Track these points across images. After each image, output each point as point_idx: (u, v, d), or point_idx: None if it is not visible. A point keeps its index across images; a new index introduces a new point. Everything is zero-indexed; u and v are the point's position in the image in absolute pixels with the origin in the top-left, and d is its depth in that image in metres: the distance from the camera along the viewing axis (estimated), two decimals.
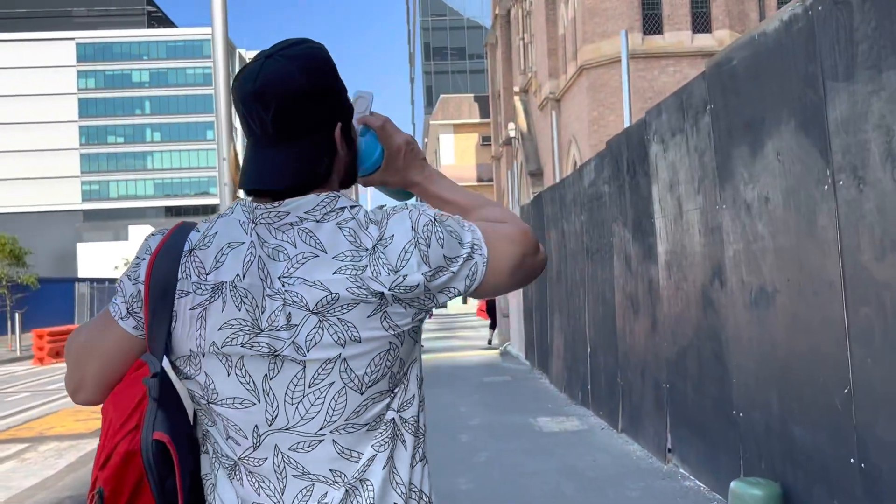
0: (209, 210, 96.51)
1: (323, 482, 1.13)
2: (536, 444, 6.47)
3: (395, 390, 1.16)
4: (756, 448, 4.05)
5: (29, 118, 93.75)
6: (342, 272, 1.09)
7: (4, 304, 22.76)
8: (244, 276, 1.12)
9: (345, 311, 1.09)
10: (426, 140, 47.54)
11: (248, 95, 1.14)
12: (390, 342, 1.12)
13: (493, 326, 17.42)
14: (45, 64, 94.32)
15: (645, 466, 5.57)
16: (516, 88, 28.34)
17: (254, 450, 1.14)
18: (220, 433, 1.16)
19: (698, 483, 4.93)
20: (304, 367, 1.10)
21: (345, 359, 1.10)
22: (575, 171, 8.10)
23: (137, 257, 1.20)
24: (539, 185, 24.14)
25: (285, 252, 1.12)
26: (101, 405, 1.22)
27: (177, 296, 1.14)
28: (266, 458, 1.13)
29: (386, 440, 1.16)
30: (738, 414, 4.25)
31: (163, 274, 1.15)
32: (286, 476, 1.13)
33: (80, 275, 60.62)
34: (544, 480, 5.37)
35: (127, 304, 1.18)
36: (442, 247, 1.13)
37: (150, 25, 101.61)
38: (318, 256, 1.10)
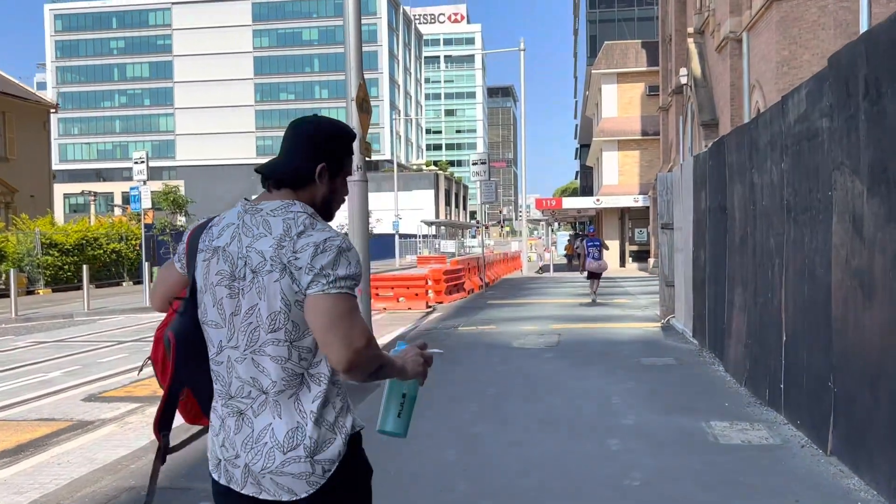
0: (373, 166, 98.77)
1: (248, 384, 1.88)
2: (712, 465, 4.87)
3: (295, 344, 1.85)
4: None
5: (209, 76, 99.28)
6: (273, 246, 1.83)
7: (169, 251, 23.50)
8: (230, 244, 1.90)
9: (265, 273, 1.83)
10: (587, 93, 44.94)
11: (289, 126, 2.02)
12: (279, 306, 1.83)
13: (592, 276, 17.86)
14: (225, 24, 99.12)
15: None
16: (690, 30, 25.44)
17: (217, 355, 1.94)
18: (207, 342, 1.97)
19: None
20: (241, 308, 1.87)
21: (259, 308, 1.84)
22: (776, 105, 6.22)
23: (185, 231, 2.91)
24: (713, 137, 21.51)
25: (251, 231, 1.89)
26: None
27: (198, 251, 1.97)
28: (222, 363, 1.92)
29: (293, 383, 1.87)
30: None
31: (193, 241, 2.01)
32: (232, 376, 1.91)
33: None
34: None
35: (178, 254, 2.08)
36: (326, 259, 1.82)
37: None
38: (265, 236, 1.86)
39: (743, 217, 7.42)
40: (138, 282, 26.33)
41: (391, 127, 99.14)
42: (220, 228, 1.94)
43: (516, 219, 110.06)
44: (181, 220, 23.96)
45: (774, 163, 6.24)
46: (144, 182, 17.37)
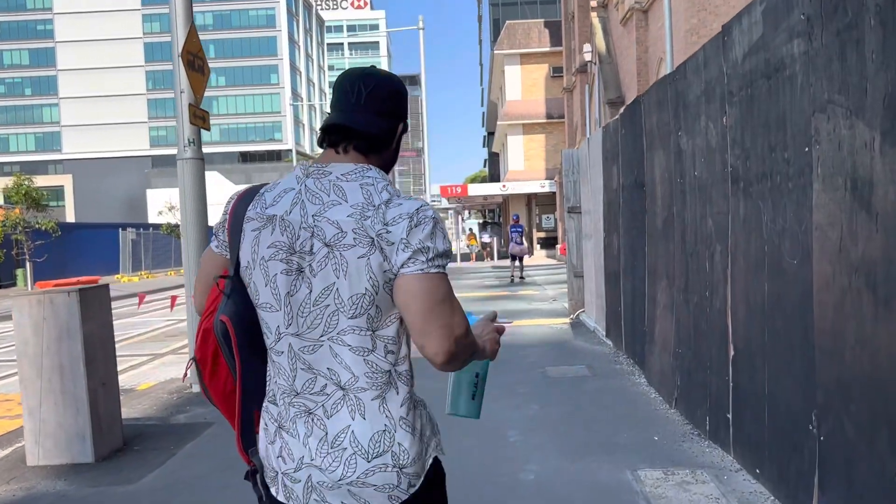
0: (275, 156, 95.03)
1: (324, 377, 1.57)
2: None
3: (378, 334, 1.55)
4: None
5: (97, 64, 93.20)
6: (352, 216, 1.52)
7: (23, 251, 20.63)
8: (290, 212, 1.57)
9: (346, 248, 1.51)
10: (491, 77, 43.64)
11: (358, 75, 1.64)
12: (365, 287, 1.51)
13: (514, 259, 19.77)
14: (112, 8, 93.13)
15: None
16: (594, 3, 24.29)
17: (275, 343, 1.61)
18: (262, 326, 1.63)
19: None
20: (312, 288, 1.54)
21: (337, 288, 1.52)
22: (712, 41, 4.68)
23: (228, 200, 1.71)
24: None
25: (320, 198, 1.56)
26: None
27: (245, 220, 1.62)
28: (283, 353, 1.60)
29: (379, 382, 1.56)
30: None
31: (239, 210, 1.65)
32: (297, 368, 1.58)
33: (151, 221, 59.53)
34: None
35: (215, 230, 1.73)
36: (424, 233, 1.52)
37: None
38: (340, 204, 1.54)
39: (667, 194, 5.92)
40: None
41: (293, 115, 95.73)
42: (274, 195, 1.62)
43: None
44: (37, 218, 21.07)
45: (712, 119, 4.71)
46: None
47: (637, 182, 6.99)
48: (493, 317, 1.85)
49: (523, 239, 20.00)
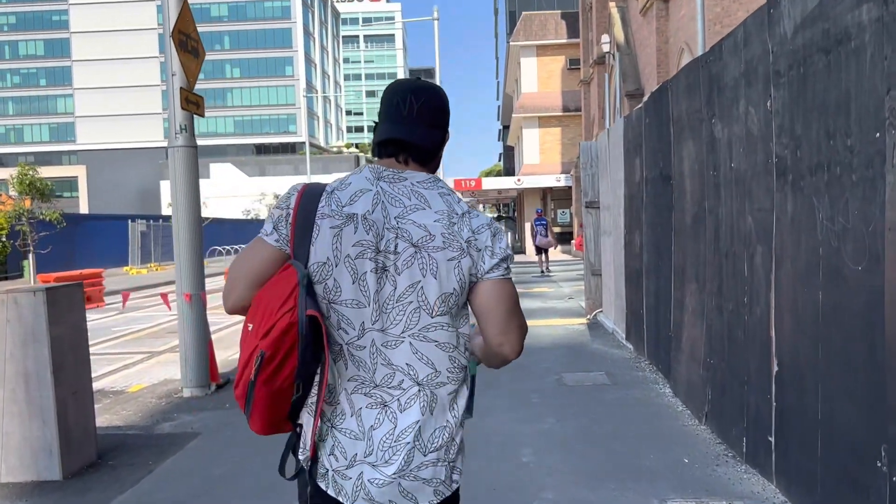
0: (289, 148, 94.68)
1: (401, 373, 1.64)
2: None
3: (459, 332, 1.69)
4: None
5: (112, 54, 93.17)
6: (440, 222, 1.64)
7: (27, 243, 20.31)
8: (373, 212, 1.63)
9: (436, 250, 1.62)
10: (507, 69, 42.97)
11: (408, 88, 1.73)
12: (454, 287, 1.63)
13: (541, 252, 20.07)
14: None
15: None
16: None
17: (358, 339, 1.64)
18: (333, 325, 1.65)
19: None
20: (396, 285, 1.62)
21: (422, 286, 1.62)
22: (755, 15, 4.13)
23: (287, 194, 1.71)
24: None
25: (401, 202, 1.65)
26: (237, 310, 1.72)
27: (319, 217, 1.64)
28: (365, 347, 1.64)
29: (458, 378, 1.69)
30: None
31: (307, 205, 1.66)
32: (377, 363, 1.64)
33: (164, 213, 59.50)
34: None
35: (274, 224, 1.68)
36: (503, 243, 1.69)
37: None
38: (424, 209, 1.64)
39: (697, 188, 5.37)
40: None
41: (307, 107, 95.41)
42: (349, 194, 1.67)
43: None
44: (43, 208, 20.70)
45: (753, 103, 4.16)
46: None
47: (663, 175, 6.44)
48: None
49: (548, 231, 20.42)
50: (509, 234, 35.48)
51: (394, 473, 1.61)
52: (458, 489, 1.70)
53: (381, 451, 1.62)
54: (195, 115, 6.86)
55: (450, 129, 1.82)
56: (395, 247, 1.62)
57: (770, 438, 3.98)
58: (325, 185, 1.71)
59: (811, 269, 3.44)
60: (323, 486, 1.67)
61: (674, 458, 4.51)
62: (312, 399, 1.68)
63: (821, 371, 3.37)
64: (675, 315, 6.09)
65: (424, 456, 1.62)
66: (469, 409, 1.84)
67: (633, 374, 6.89)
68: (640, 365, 7.26)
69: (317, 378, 1.64)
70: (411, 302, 1.62)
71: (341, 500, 1.64)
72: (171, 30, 6.53)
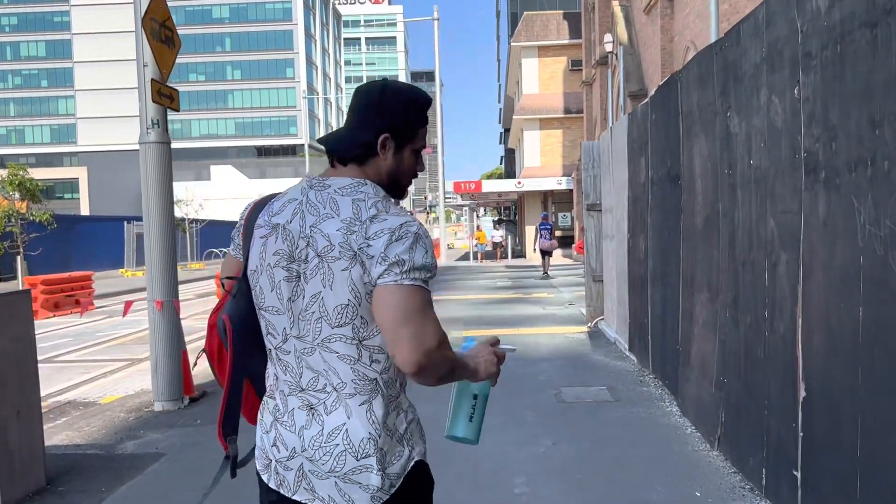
0: (290, 151, 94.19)
1: (323, 377, 1.64)
2: None
3: (364, 343, 1.61)
4: None
5: (113, 56, 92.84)
6: (340, 230, 1.59)
7: (16, 245, 19.85)
8: (291, 222, 1.66)
9: (332, 260, 1.59)
10: (508, 71, 42.50)
11: (359, 90, 1.76)
12: (348, 299, 1.58)
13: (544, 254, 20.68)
14: (128, 0, 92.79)
15: None
16: None
17: (283, 343, 1.69)
18: (263, 330, 1.73)
19: None
20: (304, 295, 1.63)
21: (322, 297, 1.61)
22: None
23: (245, 206, 1.82)
24: None
25: (318, 210, 1.64)
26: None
27: (256, 227, 1.72)
28: (290, 352, 1.68)
29: (366, 389, 1.64)
30: None
31: (253, 216, 1.74)
32: (302, 367, 1.66)
33: None
34: None
35: (232, 235, 1.83)
36: (402, 247, 1.56)
37: None
38: (332, 218, 1.62)
39: (710, 189, 4.90)
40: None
41: (308, 109, 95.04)
42: (281, 204, 1.73)
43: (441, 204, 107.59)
44: (32, 209, 20.23)
45: (777, 91, 3.69)
46: None
47: (671, 175, 5.97)
48: (494, 341, 1.84)
49: (552, 234, 21.16)
50: (509, 237, 34.98)
51: (329, 472, 1.63)
52: (403, 490, 1.66)
53: (313, 450, 1.64)
54: (169, 110, 6.40)
55: (428, 126, 1.78)
56: (306, 256, 1.63)
57: (795, 473, 3.50)
58: (274, 195, 1.79)
59: (849, 281, 2.96)
60: (265, 478, 1.73)
61: (684, 490, 4.02)
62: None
63: (861, 400, 2.89)
64: (684, 327, 5.61)
65: (357, 461, 1.62)
66: (472, 433, 1.80)
67: (637, 390, 6.41)
68: (645, 379, 6.78)
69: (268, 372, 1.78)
70: (314, 312, 1.63)
71: (283, 492, 1.69)
72: (143, 17, 6.07)
